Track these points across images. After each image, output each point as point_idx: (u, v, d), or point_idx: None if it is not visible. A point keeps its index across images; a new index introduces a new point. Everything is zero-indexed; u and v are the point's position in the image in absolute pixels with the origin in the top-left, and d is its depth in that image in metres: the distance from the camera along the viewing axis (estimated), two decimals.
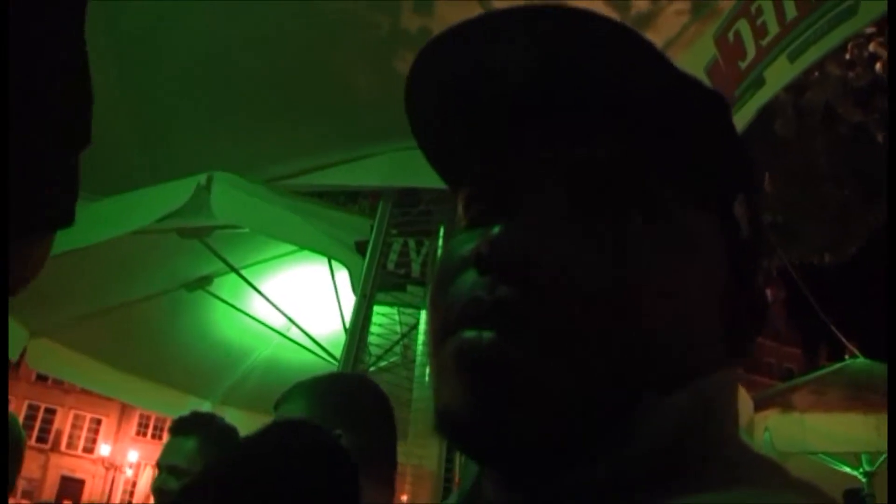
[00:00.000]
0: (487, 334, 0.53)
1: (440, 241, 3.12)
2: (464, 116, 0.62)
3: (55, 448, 38.63)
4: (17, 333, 4.43)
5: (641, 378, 0.53)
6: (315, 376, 1.79)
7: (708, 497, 0.49)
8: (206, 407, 4.84)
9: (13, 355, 4.53)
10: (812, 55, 2.04)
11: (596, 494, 0.51)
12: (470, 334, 0.53)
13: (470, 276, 0.56)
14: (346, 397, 1.73)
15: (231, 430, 2.67)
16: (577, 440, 0.52)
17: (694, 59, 2.40)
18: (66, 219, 0.62)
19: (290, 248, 4.15)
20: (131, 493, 38.82)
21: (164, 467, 2.54)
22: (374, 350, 3.18)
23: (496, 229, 0.54)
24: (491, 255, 0.54)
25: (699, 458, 0.52)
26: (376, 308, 3.10)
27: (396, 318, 3.24)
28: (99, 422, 40.22)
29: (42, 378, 33.40)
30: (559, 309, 0.53)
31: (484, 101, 0.61)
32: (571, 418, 0.52)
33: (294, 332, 4.67)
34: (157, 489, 2.54)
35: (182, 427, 2.63)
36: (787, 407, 5.84)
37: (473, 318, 0.54)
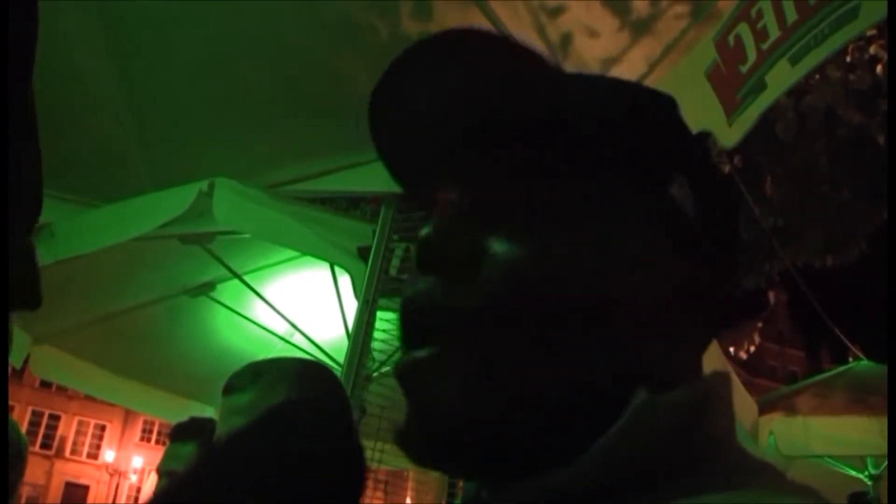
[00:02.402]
0: (421, 353, 0.55)
1: None
2: (408, 142, 0.67)
3: (59, 454, 38.64)
4: (20, 340, 4.44)
5: (609, 379, 0.53)
6: (268, 359, 1.81)
7: (701, 500, 0.49)
8: (209, 412, 4.84)
9: (16, 362, 4.53)
10: (813, 59, 2.03)
11: (584, 498, 0.51)
12: (407, 357, 0.56)
13: (419, 286, 0.57)
14: (295, 381, 1.75)
15: None
16: (542, 448, 0.52)
17: (694, 64, 2.40)
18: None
19: (293, 253, 4.16)
20: (136, 499, 38.79)
21: (164, 473, 2.54)
22: (377, 355, 3.18)
23: (425, 230, 0.58)
24: (419, 251, 0.57)
25: (689, 463, 0.52)
26: (379, 313, 3.11)
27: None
28: (103, 428, 40.23)
29: (46, 384, 33.40)
30: (489, 305, 0.54)
31: (422, 128, 0.65)
32: (517, 422, 0.52)
33: (297, 338, 4.67)
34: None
35: (181, 433, 2.63)
36: (791, 410, 5.83)
37: (408, 326, 0.57)
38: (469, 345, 0.53)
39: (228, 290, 4.51)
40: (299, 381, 1.70)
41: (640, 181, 0.60)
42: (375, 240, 3.13)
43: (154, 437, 39.89)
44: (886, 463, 5.88)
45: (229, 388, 1.76)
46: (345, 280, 3.59)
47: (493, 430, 0.53)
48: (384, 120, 0.67)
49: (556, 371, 0.53)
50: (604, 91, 0.62)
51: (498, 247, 0.55)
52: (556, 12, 2.75)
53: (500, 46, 0.60)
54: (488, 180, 0.60)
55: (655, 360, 0.55)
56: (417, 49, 0.62)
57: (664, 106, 0.63)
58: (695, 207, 0.61)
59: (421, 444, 0.55)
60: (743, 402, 5.13)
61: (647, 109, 0.62)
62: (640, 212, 0.59)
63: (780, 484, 0.52)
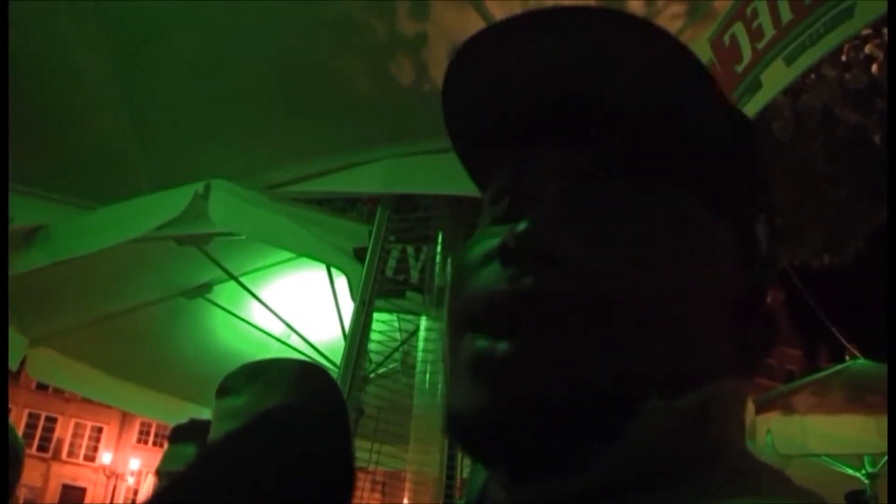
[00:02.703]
0: (501, 345, 0.53)
1: (438, 248, 3.12)
2: (496, 115, 0.63)
3: (56, 457, 38.58)
4: (16, 342, 4.43)
5: (648, 382, 0.53)
6: (264, 360, 1.82)
7: (706, 502, 0.49)
8: (206, 414, 4.83)
9: (13, 364, 4.53)
10: (809, 58, 2.04)
11: (593, 498, 0.51)
12: (484, 343, 0.54)
13: (493, 269, 0.56)
14: (292, 384, 1.76)
15: None
16: (581, 444, 0.52)
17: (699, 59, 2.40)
18: None
19: (289, 255, 4.16)
20: (133, 501, 38.76)
21: (164, 475, 2.54)
22: (373, 357, 3.18)
23: (522, 224, 0.55)
24: (516, 247, 0.54)
25: (698, 465, 0.52)
26: (376, 315, 3.10)
27: (396, 324, 3.24)
28: (100, 430, 40.17)
29: (42, 387, 33.35)
30: (579, 305, 0.53)
31: (516, 100, 0.61)
32: (576, 423, 0.52)
33: (294, 340, 4.67)
34: None
35: (180, 435, 2.63)
36: (788, 409, 5.83)
37: (490, 316, 0.55)
38: (550, 339, 0.53)
39: (225, 292, 4.51)
40: (295, 383, 1.70)
41: (730, 211, 0.59)
42: (372, 241, 3.13)
43: (151, 439, 39.84)
44: (886, 461, 5.88)
45: (223, 390, 1.76)
46: (341, 281, 3.59)
47: (556, 424, 0.52)
48: (471, 82, 0.62)
49: (609, 372, 0.52)
50: (719, 107, 0.59)
51: (583, 248, 0.54)
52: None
53: (636, 32, 0.56)
54: (580, 175, 0.58)
55: (689, 369, 0.55)
56: (547, 12, 0.57)
57: (755, 135, 0.63)
58: (768, 247, 0.62)
59: (488, 429, 0.54)
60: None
61: (746, 137, 0.61)
62: (722, 237, 0.59)
63: (784, 488, 0.52)
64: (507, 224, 0.57)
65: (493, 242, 0.57)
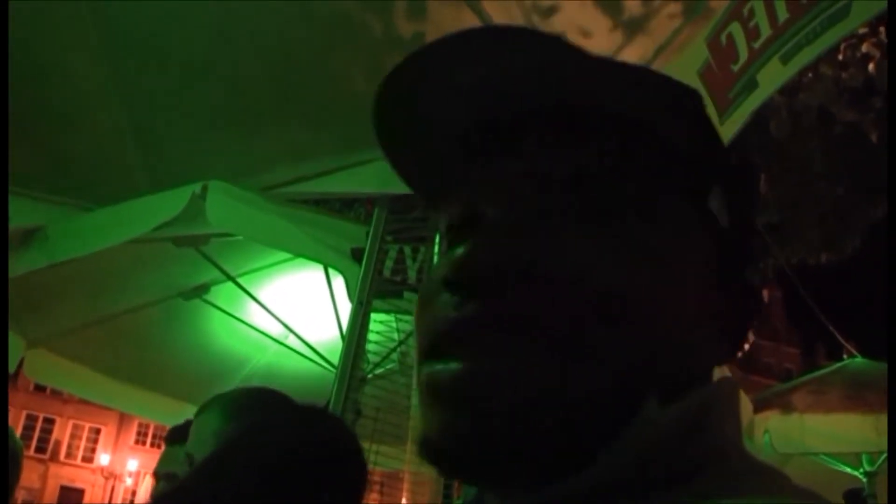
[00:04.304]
0: (453, 365, 0.53)
1: (436, 248, 3.12)
2: (430, 143, 0.64)
3: (54, 458, 38.57)
4: (14, 344, 4.43)
5: (629, 385, 0.53)
6: (235, 389, 1.89)
7: None
8: None
9: (11, 366, 4.53)
10: (805, 57, 2.04)
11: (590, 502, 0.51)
12: (436, 367, 0.54)
13: (440, 300, 0.56)
14: (257, 412, 1.81)
15: None
16: (561, 453, 0.52)
17: (687, 63, 2.40)
18: None
19: (287, 255, 4.16)
20: (131, 502, 38.75)
21: (162, 476, 2.53)
22: (371, 357, 3.18)
23: (459, 249, 0.55)
24: (455, 275, 0.55)
25: (696, 467, 0.52)
26: (373, 315, 3.10)
27: (394, 324, 3.24)
28: (98, 431, 40.18)
29: (40, 388, 33.32)
30: (529, 321, 0.53)
31: (446, 126, 0.62)
32: (547, 435, 0.52)
33: (292, 340, 4.67)
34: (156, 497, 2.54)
35: (177, 435, 2.63)
36: (786, 408, 5.83)
37: (441, 343, 0.55)
38: (500, 355, 0.53)
39: (222, 293, 4.50)
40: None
41: (676, 186, 0.59)
42: (369, 241, 3.13)
43: (149, 440, 39.84)
44: (884, 459, 5.89)
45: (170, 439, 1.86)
46: (339, 282, 3.59)
47: (528, 437, 0.52)
48: (398, 121, 0.64)
49: (582, 379, 0.52)
50: (639, 84, 0.59)
51: (541, 262, 0.54)
52: (549, 12, 2.75)
53: (524, 39, 0.57)
54: (513, 187, 0.58)
55: (671, 368, 0.55)
56: (438, 44, 0.58)
57: (698, 104, 0.61)
58: (730, 219, 0.61)
59: (453, 454, 0.54)
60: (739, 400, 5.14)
61: (684, 107, 0.60)
62: (674, 218, 0.58)
63: (783, 488, 0.52)
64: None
65: (439, 272, 0.58)
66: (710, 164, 0.61)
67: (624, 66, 0.59)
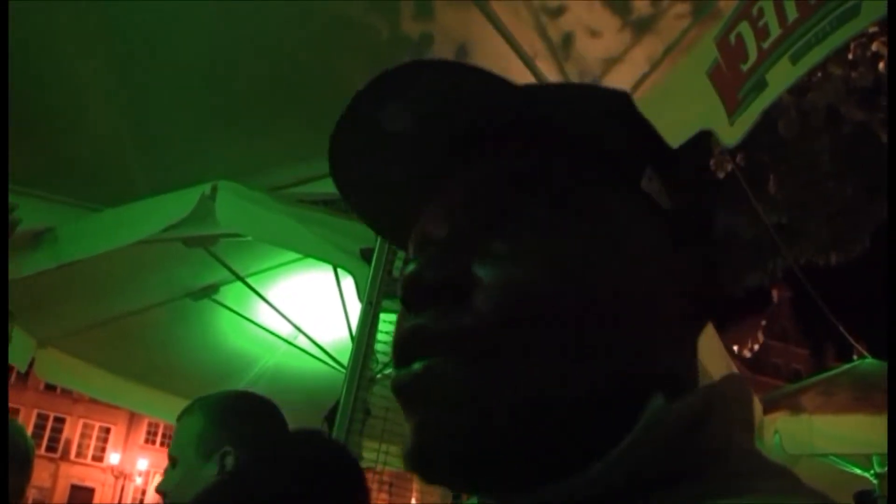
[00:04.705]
0: (416, 365, 0.55)
1: None
2: (376, 177, 0.68)
3: (65, 457, 38.72)
4: (24, 343, 4.45)
5: (627, 383, 0.54)
6: (218, 393, 1.91)
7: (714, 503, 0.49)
8: None
9: (21, 365, 4.55)
10: (815, 56, 2.03)
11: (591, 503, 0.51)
12: (399, 372, 0.57)
13: (404, 319, 0.58)
14: (239, 416, 1.83)
15: None
16: (549, 453, 0.53)
17: (695, 63, 2.40)
18: None
19: (296, 255, 4.16)
20: (141, 502, 38.86)
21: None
22: (380, 357, 3.18)
23: (409, 267, 0.58)
24: (404, 292, 0.57)
25: (702, 466, 0.52)
26: (383, 315, 3.10)
27: None
28: (108, 430, 40.31)
29: (51, 387, 33.44)
30: (479, 325, 0.54)
31: (387, 158, 0.66)
32: (516, 431, 0.53)
33: (301, 340, 4.68)
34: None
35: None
36: (795, 409, 5.81)
37: (400, 360, 0.57)
38: (469, 356, 0.54)
39: (232, 293, 4.51)
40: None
41: (615, 179, 0.60)
42: (378, 241, 3.13)
43: (159, 439, 39.95)
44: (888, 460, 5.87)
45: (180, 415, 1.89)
46: (348, 282, 3.60)
47: (506, 441, 0.53)
48: (351, 168, 0.69)
49: (561, 379, 0.53)
50: (566, 95, 0.61)
51: (485, 268, 0.56)
52: (558, 12, 2.75)
53: (455, 70, 0.59)
54: (463, 200, 0.60)
55: (661, 361, 0.56)
56: (376, 82, 0.61)
57: (623, 102, 0.62)
58: (668, 199, 0.62)
59: (431, 460, 0.55)
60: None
61: (610, 107, 0.62)
62: (619, 210, 0.60)
63: (791, 487, 0.52)
64: None
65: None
66: (634, 152, 0.63)
67: (547, 85, 0.63)
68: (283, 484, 0.92)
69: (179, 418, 1.88)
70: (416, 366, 0.55)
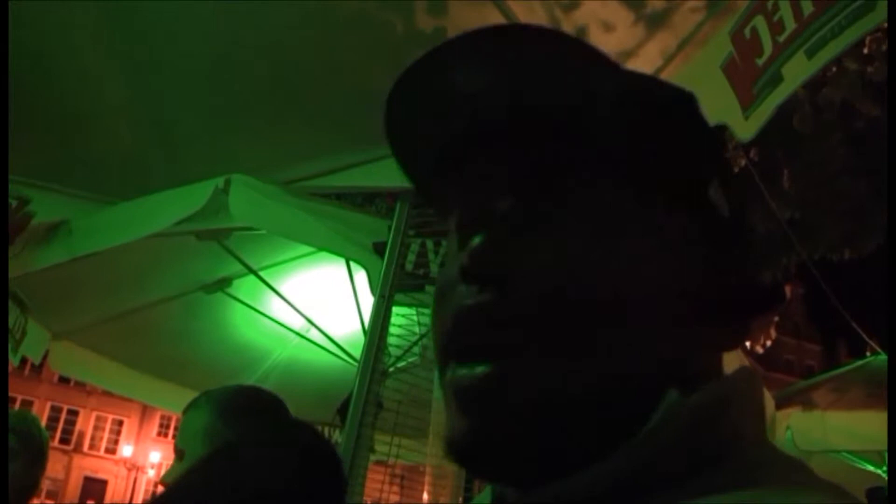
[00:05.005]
0: (480, 369, 0.54)
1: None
2: (440, 142, 0.65)
3: (78, 449, 38.92)
4: (39, 336, 4.48)
5: (648, 378, 0.54)
6: (225, 387, 1.93)
7: (727, 497, 0.49)
8: None
9: (36, 358, 4.57)
10: (830, 51, 2.02)
11: (611, 495, 0.51)
12: (462, 371, 0.55)
13: (459, 292, 0.57)
14: (245, 411, 1.84)
15: None
16: (584, 448, 0.53)
17: (710, 57, 2.39)
18: None
19: (309, 249, 4.17)
20: (153, 494, 38.98)
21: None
22: (393, 350, 3.19)
23: (475, 240, 0.56)
24: (471, 265, 0.56)
25: (717, 458, 0.52)
26: (395, 309, 3.11)
27: (415, 318, 3.25)
28: (121, 423, 40.50)
29: (64, 380, 33.62)
30: (543, 311, 0.54)
31: (452, 127, 0.63)
32: (571, 433, 0.53)
33: (313, 334, 4.69)
34: None
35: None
36: (808, 405, 5.80)
37: (463, 342, 0.56)
38: (525, 356, 0.54)
39: (244, 286, 4.53)
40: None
41: (675, 183, 0.60)
42: (391, 235, 3.13)
43: (171, 432, 40.03)
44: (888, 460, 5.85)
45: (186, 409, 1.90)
46: (360, 275, 3.60)
47: (556, 437, 0.53)
48: (407, 121, 0.65)
49: (604, 375, 0.53)
50: (636, 90, 0.60)
51: (540, 255, 0.55)
52: (571, 6, 2.74)
53: (541, 42, 0.58)
54: (523, 184, 0.59)
55: (684, 360, 0.56)
56: (453, 42, 0.59)
57: (690, 103, 0.62)
58: (727, 209, 0.62)
59: (483, 456, 0.55)
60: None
61: (676, 108, 0.61)
62: (676, 214, 0.59)
63: (805, 479, 0.52)
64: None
65: (455, 266, 0.59)
66: (706, 160, 0.63)
67: (624, 72, 0.60)
68: (246, 477, 0.92)
69: (185, 411, 1.89)
70: (480, 369, 0.54)
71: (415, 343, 3.37)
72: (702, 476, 0.51)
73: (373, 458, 3.16)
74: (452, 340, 0.57)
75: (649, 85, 0.61)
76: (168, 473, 1.86)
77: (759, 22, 2.21)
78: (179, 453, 1.83)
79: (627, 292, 0.55)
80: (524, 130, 0.60)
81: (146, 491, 39.02)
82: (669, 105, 0.61)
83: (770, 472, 0.52)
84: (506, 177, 0.60)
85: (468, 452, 0.56)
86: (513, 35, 0.58)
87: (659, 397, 0.54)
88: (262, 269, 4.28)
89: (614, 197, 0.58)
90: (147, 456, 39.56)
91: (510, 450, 0.54)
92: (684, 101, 0.62)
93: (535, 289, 0.54)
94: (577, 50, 0.57)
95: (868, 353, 6.72)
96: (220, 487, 0.90)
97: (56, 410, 38.40)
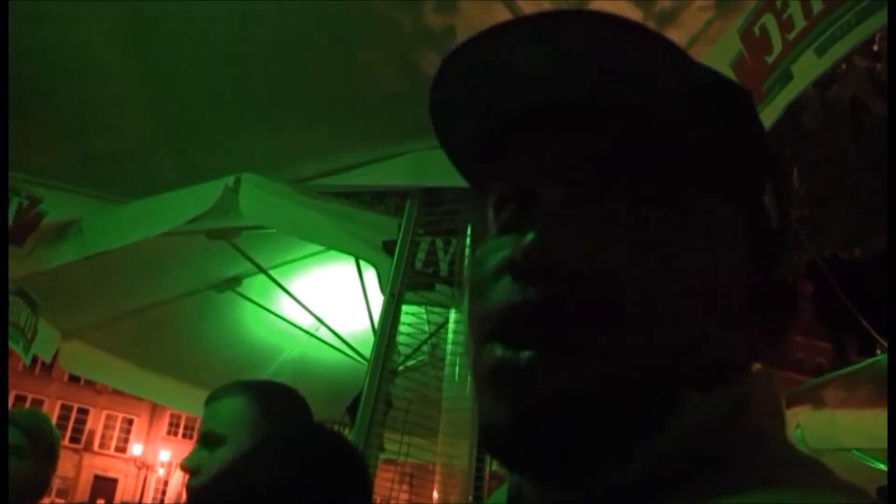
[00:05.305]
0: (524, 353, 0.54)
1: (468, 241, 3.12)
2: (488, 122, 0.63)
3: (88, 448, 39.05)
4: (49, 335, 4.49)
5: (678, 378, 0.54)
6: (257, 379, 1.98)
7: (746, 497, 0.50)
8: None
9: (47, 357, 4.59)
10: (840, 49, 2.01)
11: (631, 494, 0.52)
12: (506, 353, 0.55)
13: (505, 283, 0.56)
14: (285, 407, 1.86)
15: None
16: (615, 444, 0.53)
17: (719, 55, 2.38)
18: None
19: (318, 248, 4.18)
20: (163, 492, 39.15)
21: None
22: (402, 349, 3.19)
23: (529, 236, 0.55)
24: (523, 261, 0.55)
25: (737, 458, 0.53)
26: (404, 307, 3.11)
27: (425, 317, 3.25)
28: (131, 422, 40.63)
29: (74, 379, 33.72)
30: (593, 311, 0.54)
31: (506, 106, 0.62)
32: (609, 426, 0.53)
33: (323, 332, 4.69)
34: (190, 487, 2.59)
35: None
36: (818, 403, 5.78)
37: (509, 329, 0.55)
38: (569, 346, 0.54)
39: (254, 285, 4.54)
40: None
41: (734, 184, 0.59)
42: (401, 234, 3.13)
43: (181, 430, 40.22)
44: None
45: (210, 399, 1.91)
46: (370, 274, 3.61)
47: (584, 425, 0.53)
48: (453, 94, 0.63)
49: (636, 373, 0.53)
50: (707, 83, 0.59)
51: (593, 252, 0.55)
52: (580, 3, 2.74)
53: (608, 28, 0.56)
54: (574, 174, 0.58)
55: (713, 361, 0.56)
56: (515, 21, 0.57)
57: (750, 103, 0.61)
58: (777, 219, 0.62)
59: (520, 438, 0.55)
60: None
61: (745, 107, 0.60)
62: (730, 217, 0.59)
63: (823, 478, 0.53)
64: (514, 233, 0.58)
65: (503, 254, 0.58)
66: (763, 165, 0.62)
67: (685, 63, 0.58)
68: (279, 475, 0.93)
69: (218, 398, 1.89)
70: (526, 353, 0.54)
71: (424, 341, 3.37)
72: (723, 475, 0.51)
73: (382, 456, 3.16)
74: (496, 327, 0.56)
75: (719, 79, 0.60)
76: (192, 458, 1.85)
77: (769, 20, 2.20)
78: (218, 438, 1.82)
79: (679, 293, 0.55)
80: (583, 116, 0.59)
81: (156, 489, 39.16)
82: (740, 104, 0.60)
83: (789, 472, 0.53)
84: (559, 162, 0.59)
85: (503, 436, 0.55)
86: (577, 20, 0.56)
87: (682, 396, 0.54)
88: (272, 267, 4.29)
89: (673, 194, 0.57)
90: (157, 454, 39.67)
91: (543, 435, 0.54)
92: (749, 100, 0.61)
93: (585, 284, 0.54)
94: (646, 38, 0.56)
95: (878, 351, 6.70)
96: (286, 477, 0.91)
97: (66, 409, 38.53)
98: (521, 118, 0.61)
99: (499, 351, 0.55)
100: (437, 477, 3.09)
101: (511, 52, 0.58)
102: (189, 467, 1.84)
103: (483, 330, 0.58)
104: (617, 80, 0.57)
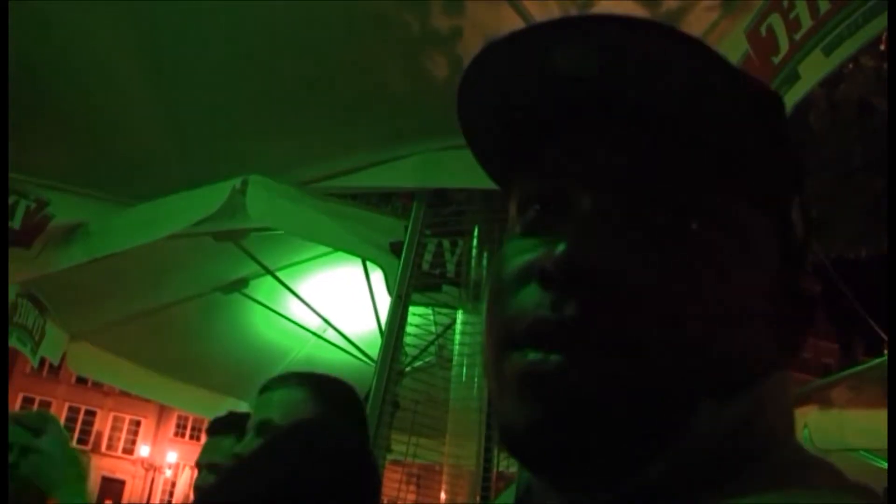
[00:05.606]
0: (554, 357, 0.53)
1: (474, 242, 3.13)
2: (519, 120, 0.62)
3: (96, 449, 39.07)
4: (57, 337, 4.51)
5: (701, 386, 0.54)
6: (317, 373, 1.95)
7: (762, 498, 0.50)
8: (242, 407, 4.88)
9: (54, 359, 4.61)
10: (847, 49, 2.01)
11: (648, 497, 0.52)
12: (535, 357, 0.54)
13: (533, 291, 0.56)
14: (347, 407, 1.87)
15: None
16: (636, 450, 0.53)
17: (725, 55, 2.39)
18: None
19: (325, 249, 4.18)
20: (171, 494, 39.19)
21: (204, 466, 2.58)
22: (409, 350, 3.19)
23: (560, 246, 0.54)
24: (554, 270, 0.54)
25: (753, 461, 0.53)
26: (412, 308, 3.11)
27: (432, 318, 3.25)
28: (138, 423, 40.65)
29: (82, 380, 33.77)
30: (625, 327, 0.53)
31: (539, 105, 0.61)
32: (632, 433, 0.53)
33: (330, 334, 4.70)
34: (198, 487, 2.60)
35: (219, 427, 2.67)
36: (825, 403, 5.77)
37: (539, 337, 0.54)
38: (598, 353, 0.53)
39: (261, 287, 4.54)
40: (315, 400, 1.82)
41: (767, 195, 0.59)
42: (408, 235, 3.14)
43: (188, 432, 40.22)
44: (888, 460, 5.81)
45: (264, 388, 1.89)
46: (377, 275, 3.61)
47: (613, 431, 0.53)
48: (485, 93, 0.62)
49: (664, 379, 0.53)
50: (748, 91, 0.58)
51: (624, 262, 0.54)
52: (586, 6, 2.74)
53: (651, 33, 0.55)
54: (606, 181, 0.57)
55: (731, 369, 0.56)
56: (558, 21, 0.56)
57: (782, 109, 0.61)
58: (802, 232, 0.62)
59: (544, 440, 0.54)
60: None
61: (772, 115, 0.60)
62: (759, 228, 0.59)
63: (836, 481, 0.53)
64: (540, 236, 0.58)
65: (528, 258, 0.57)
66: (792, 175, 0.62)
67: (728, 71, 0.57)
68: (288, 471, 0.93)
69: (273, 388, 1.89)
70: (555, 357, 0.53)
71: (431, 343, 3.38)
72: (738, 478, 0.52)
73: (390, 457, 3.17)
74: (522, 333, 0.55)
75: (761, 87, 0.59)
76: (247, 446, 1.84)
77: (775, 20, 2.20)
78: (276, 428, 1.82)
79: (710, 303, 0.54)
80: (621, 121, 0.58)
81: (164, 491, 39.20)
82: (780, 115, 0.60)
83: (801, 474, 0.53)
84: (593, 166, 0.58)
85: (528, 437, 0.55)
86: (619, 24, 0.55)
87: (703, 401, 0.54)
88: (279, 269, 4.29)
89: (709, 204, 0.56)
90: (164, 456, 39.70)
91: (569, 437, 0.53)
92: (780, 108, 0.60)
93: (617, 299, 0.54)
94: (687, 45, 0.55)
95: (885, 351, 6.67)
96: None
97: (74, 411, 38.58)
98: (556, 119, 0.60)
99: (527, 356, 0.55)
100: (445, 478, 3.10)
101: (549, 52, 0.57)
102: (236, 456, 1.85)
103: (508, 335, 0.57)
104: (658, 87, 0.56)
